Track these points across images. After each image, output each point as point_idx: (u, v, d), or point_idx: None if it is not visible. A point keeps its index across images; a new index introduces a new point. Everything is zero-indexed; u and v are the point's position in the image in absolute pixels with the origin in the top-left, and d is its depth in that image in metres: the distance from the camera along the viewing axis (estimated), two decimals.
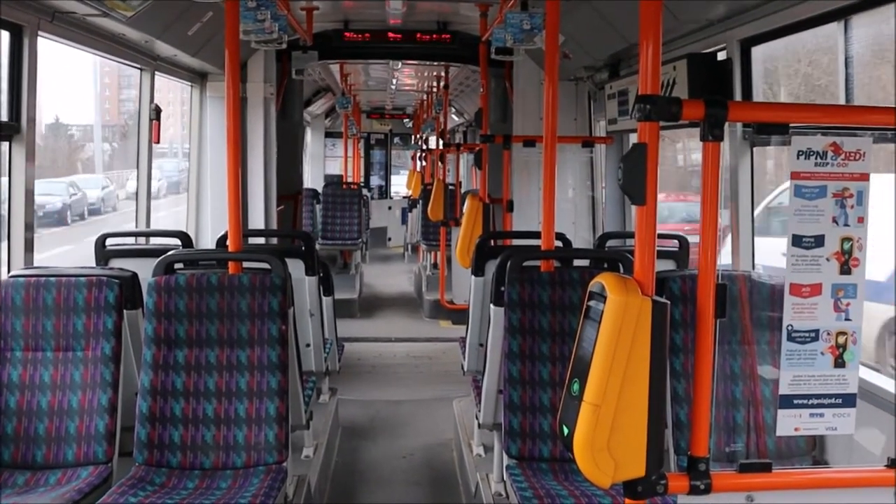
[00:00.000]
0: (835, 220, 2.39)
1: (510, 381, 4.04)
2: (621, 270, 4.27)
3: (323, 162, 19.40)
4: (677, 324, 3.58)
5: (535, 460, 3.98)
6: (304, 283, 5.38)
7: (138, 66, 6.24)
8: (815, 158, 2.37)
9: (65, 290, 3.86)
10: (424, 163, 16.48)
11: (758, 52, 4.69)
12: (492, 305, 4.41)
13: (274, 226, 8.02)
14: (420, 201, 14.51)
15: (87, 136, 27.33)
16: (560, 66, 4.75)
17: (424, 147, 18.34)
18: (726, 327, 2.46)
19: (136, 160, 6.56)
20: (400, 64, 11.78)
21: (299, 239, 5.92)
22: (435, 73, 12.91)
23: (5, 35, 4.34)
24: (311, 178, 17.63)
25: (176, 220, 10.54)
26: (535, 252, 4.54)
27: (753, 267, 4.67)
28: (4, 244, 4.46)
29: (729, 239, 4.75)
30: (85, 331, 3.84)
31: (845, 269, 2.40)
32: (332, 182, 15.78)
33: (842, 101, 4.02)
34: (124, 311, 3.91)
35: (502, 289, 4.21)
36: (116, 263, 4.98)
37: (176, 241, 5.52)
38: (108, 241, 5.26)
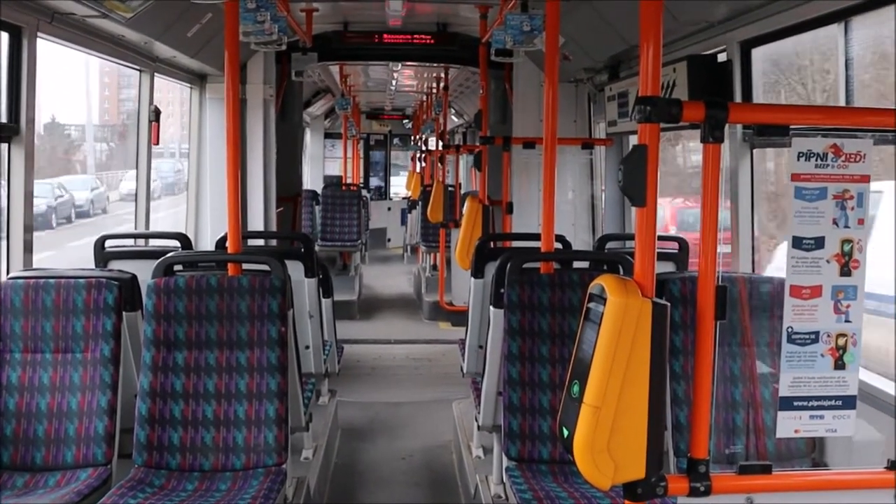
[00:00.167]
0: (835, 222, 2.38)
1: (510, 382, 4.04)
2: (621, 272, 4.27)
3: (322, 163, 19.41)
4: (677, 326, 3.57)
5: (534, 462, 3.97)
6: (303, 285, 5.38)
7: (137, 67, 6.24)
8: (816, 160, 2.37)
9: (64, 291, 3.86)
10: (424, 164, 16.48)
11: (758, 53, 4.69)
12: (491, 307, 4.41)
13: (273, 227, 8.02)
14: (419, 202, 14.50)
15: (81, 137, 27.28)
16: (560, 67, 4.75)
17: (424, 148, 18.34)
18: (726, 329, 2.46)
19: (134, 161, 6.56)
20: (399, 65, 11.79)
21: (299, 241, 5.92)
22: (434, 75, 12.92)
23: (4, 36, 4.34)
24: (311, 180, 17.63)
25: (175, 222, 10.54)
26: (535, 254, 4.54)
27: (754, 269, 4.67)
28: (3, 246, 4.46)
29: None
30: (84, 332, 3.84)
31: (845, 271, 2.40)
32: (332, 183, 15.77)
33: (842, 103, 4.02)
34: (123, 312, 3.91)
35: (502, 290, 4.20)
36: (116, 265, 4.98)
37: (175, 243, 5.52)
38: (108, 243, 5.26)
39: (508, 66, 8.31)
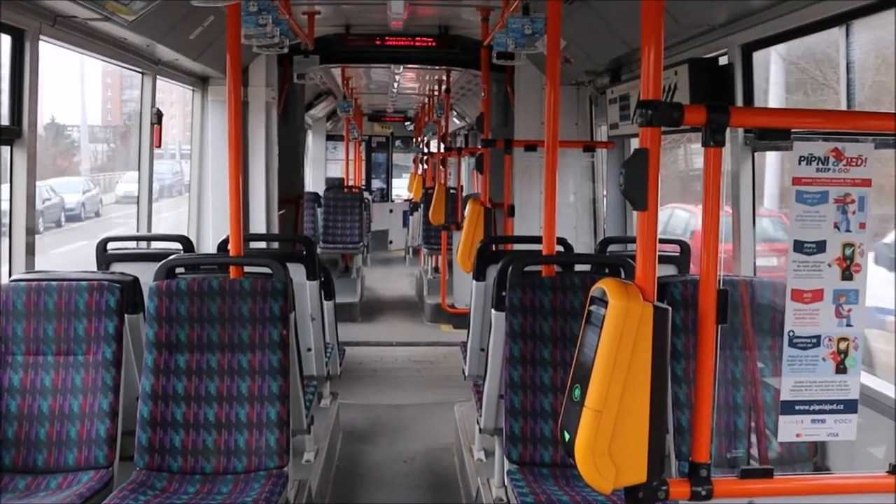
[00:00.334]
0: (836, 226, 2.39)
1: (511, 385, 4.04)
2: (623, 275, 4.27)
3: (324, 165, 19.42)
4: (679, 329, 3.57)
5: (536, 465, 3.97)
6: (305, 288, 5.38)
7: (140, 69, 6.25)
8: (817, 164, 2.37)
9: (66, 294, 3.86)
10: (426, 166, 16.48)
11: (759, 56, 4.69)
12: (493, 310, 4.41)
13: (275, 230, 8.02)
14: (421, 205, 14.51)
15: (78, 138, 27.28)
16: (561, 70, 4.74)
17: (426, 151, 18.36)
18: (727, 333, 2.46)
19: (136, 163, 6.56)
20: (401, 68, 11.79)
21: (300, 243, 5.93)
22: (436, 77, 12.92)
23: (7, 39, 4.35)
24: (313, 182, 17.63)
25: (176, 223, 10.54)
26: (537, 257, 4.54)
27: (755, 273, 4.67)
28: (5, 248, 4.46)
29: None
30: (86, 335, 3.84)
31: (847, 275, 2.40)
32: (334, 185, 15.78)
33: (843, 107, 4.02)
34: (125, 315, 3.91)
35: (503, 293, 4.21)
36: (117, 267, 4.99)
37: (177, 246, 5.52)
38: (110, 245, 5.27)
39: (510, 69, 8.31)
